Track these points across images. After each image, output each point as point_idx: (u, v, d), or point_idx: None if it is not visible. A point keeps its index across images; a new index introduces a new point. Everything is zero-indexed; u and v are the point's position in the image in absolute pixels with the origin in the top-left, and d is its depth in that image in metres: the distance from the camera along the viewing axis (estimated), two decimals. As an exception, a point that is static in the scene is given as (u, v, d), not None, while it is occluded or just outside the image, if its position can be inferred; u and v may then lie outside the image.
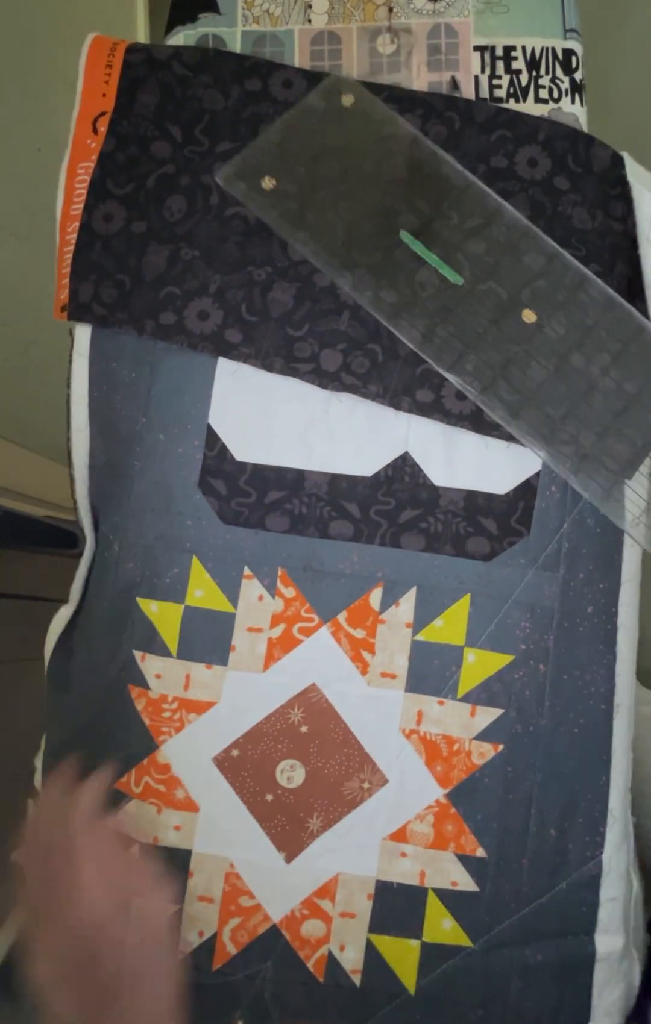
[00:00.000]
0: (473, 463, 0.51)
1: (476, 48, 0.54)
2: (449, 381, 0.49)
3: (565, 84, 0.53)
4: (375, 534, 0.50)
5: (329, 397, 0.51)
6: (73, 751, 0.51)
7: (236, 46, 0.55)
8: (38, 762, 0.55)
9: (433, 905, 0.48)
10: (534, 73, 0.53)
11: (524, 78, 0.53)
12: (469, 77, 0.54)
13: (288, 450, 0.51)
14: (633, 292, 0.51)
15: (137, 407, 0.54)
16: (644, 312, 0.50)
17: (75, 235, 0.53)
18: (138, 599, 0.52)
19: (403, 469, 0.51)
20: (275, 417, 0.51)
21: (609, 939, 0.48)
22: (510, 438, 0.49)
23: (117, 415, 0.53)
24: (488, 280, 0.48)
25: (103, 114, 0.55)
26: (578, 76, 0.54)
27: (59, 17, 0.97)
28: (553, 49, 0.54)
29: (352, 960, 0.48)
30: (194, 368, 0.53)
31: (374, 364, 0.50)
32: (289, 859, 0.49)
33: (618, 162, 0.52)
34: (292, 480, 0.51)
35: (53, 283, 0.95)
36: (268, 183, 0.49)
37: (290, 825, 0.49)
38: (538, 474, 0.50)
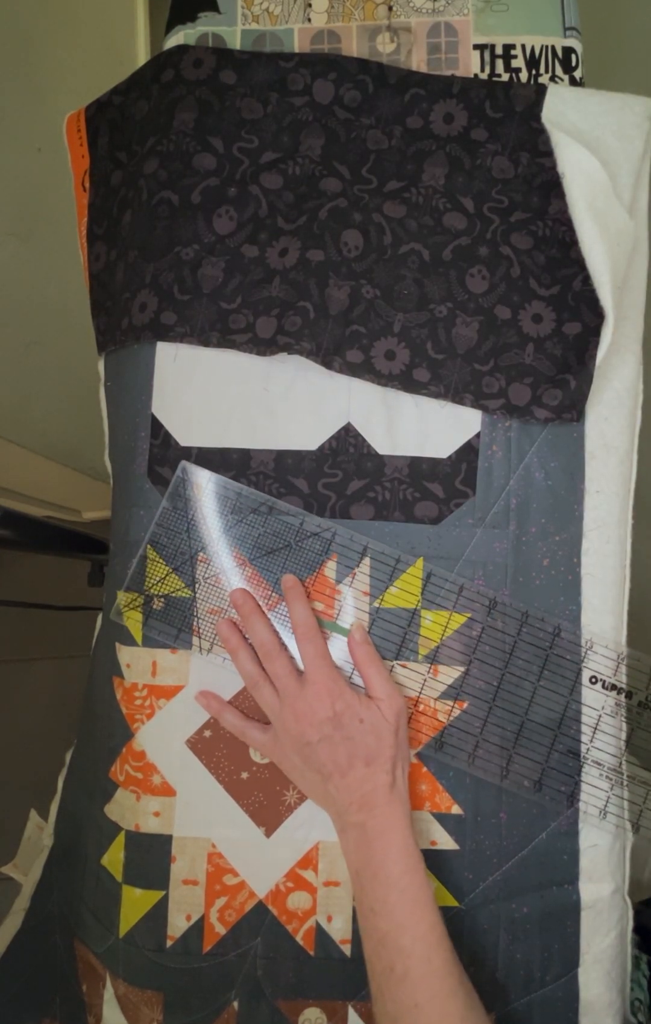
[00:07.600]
0: (414, 429, 0.51)
1: (476, 47, 0.53)
2: (378, 342, 0.50)
3: (565, 82, 0.53)
4: (325, 507, 0.51)
5: (267, 374, 0.51)
6: (87, 746, 0.53)
7: (236, 44, 0.55)
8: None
9: (416, 867, 0.48)
10: (534, 71, 0.53)
11: (524, 76, 0.53)
12: (469, 75, 0.53)
13: (230, 431, 0.51)
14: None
15: (107, 408, 0.57)
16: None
17: (87, 285, 0.58)
18: (118, 593, 0.53)
19: (347, 440, 0.51)
20: (215, 400, 0.52)
21: (594, 887, 0.48)
22: (439, 396, 0.50)
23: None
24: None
25: (86, 172, 0.58)
26: (578, 74, 0.53)
27: (59, 17, 0.98)
28: (553, 47, 0.53)
29: (340, 930, 0.48)
30: (135, 360, 0.53)
31: (306, 321, 0.50)
32: (269, 833, 0.49)
33: (543, 94, 0.51)
34: (238, 460, 0.51)
35: (53, 283, 0.96)
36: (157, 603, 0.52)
37: (267, 800, 0.49)
38: (478, 435, 0.50)
